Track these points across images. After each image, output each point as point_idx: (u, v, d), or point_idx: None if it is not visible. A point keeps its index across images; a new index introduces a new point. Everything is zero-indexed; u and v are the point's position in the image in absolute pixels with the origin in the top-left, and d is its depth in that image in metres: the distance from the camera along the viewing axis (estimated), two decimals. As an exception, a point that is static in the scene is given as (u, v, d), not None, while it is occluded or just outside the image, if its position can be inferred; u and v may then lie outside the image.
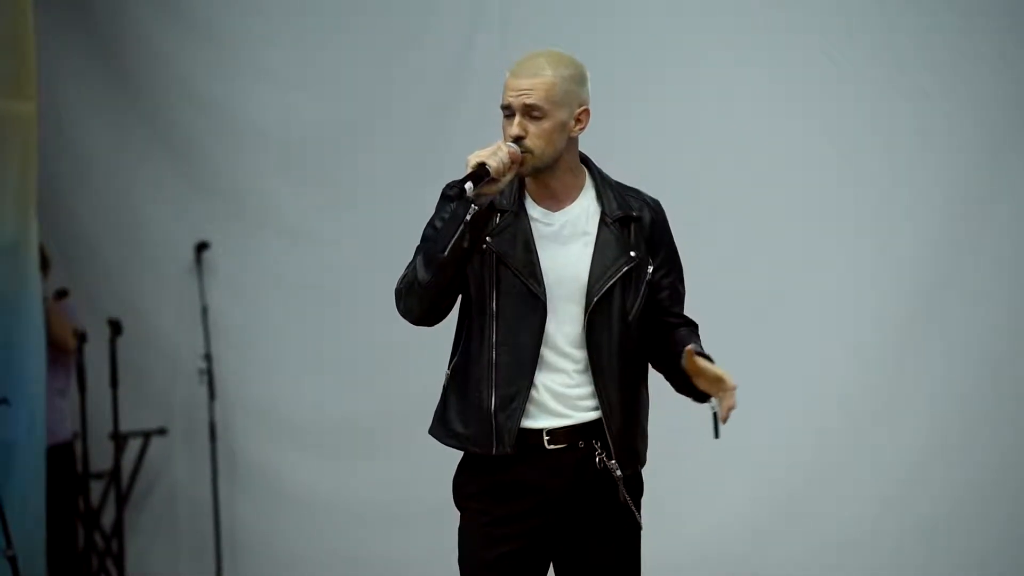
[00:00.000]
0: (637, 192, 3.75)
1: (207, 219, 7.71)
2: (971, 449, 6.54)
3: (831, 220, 6.76)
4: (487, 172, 3.46)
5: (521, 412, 3.58)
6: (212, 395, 7.63)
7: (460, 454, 3.70)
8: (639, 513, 3.68)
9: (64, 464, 7.18)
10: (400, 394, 6.99)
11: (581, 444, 3.62)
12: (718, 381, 3.51)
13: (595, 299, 3.61)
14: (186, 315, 7.78)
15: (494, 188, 3.51)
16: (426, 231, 3.65)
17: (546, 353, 3.61)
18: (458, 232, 3.48)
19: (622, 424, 3.63)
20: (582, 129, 3.63)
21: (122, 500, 7.58)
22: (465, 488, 3.69)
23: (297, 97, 7.60)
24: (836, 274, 6.74)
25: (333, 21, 7.53)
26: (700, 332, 3.74)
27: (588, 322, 3.61)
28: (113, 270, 7.85)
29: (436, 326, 3.70)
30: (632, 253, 3.65)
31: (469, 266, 3.59)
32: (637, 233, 3.68)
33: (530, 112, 3.56)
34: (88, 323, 7.35)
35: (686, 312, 3.78)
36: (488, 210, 3.54)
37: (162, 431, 7.80)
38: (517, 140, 3.55)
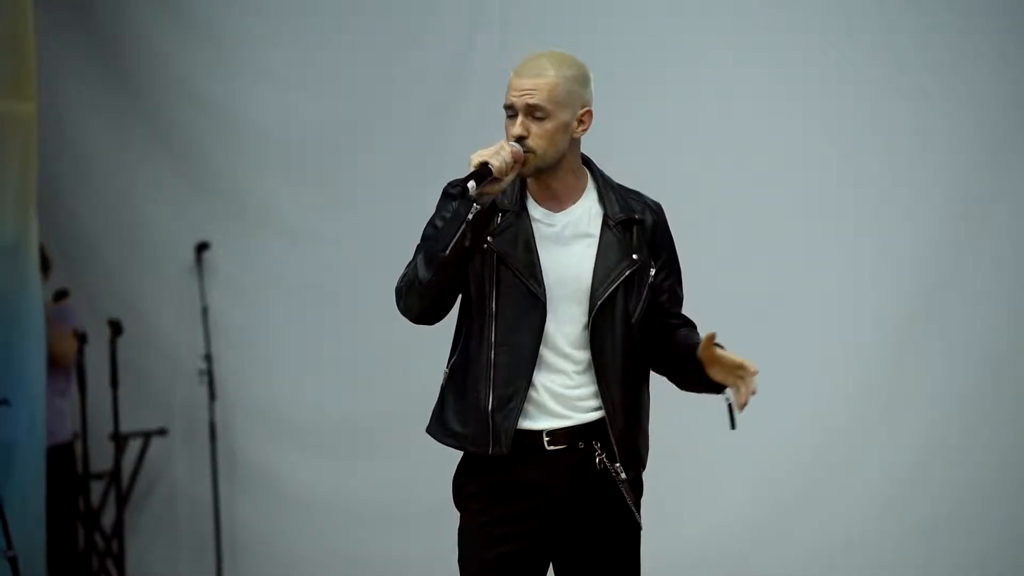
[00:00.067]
0: (638, 195, 3.76)
1: (207, 219, 7.71)
2: (971, 449, 6.54)
3: (831, 220, 6.76)
4: (489, 171, 3.46)
5: (519, 412, 3.58)
6: (212, 395, 7.63)
7: (460, 454, 3.70)
8: (639, 514, 3.68)
9: (64, 464, 7.17)
10: (400, 394, 6.98)
11: (581, 445, 3.62)
12: (737, 368, 3.51)
13: (599, 302, 3.61)
14: (186, 315, 7.77)
15: (496, 188, 3.51)
16: (427, 230, 3.65)
17: (545, 354, 3.61)
18: (460, 231, 3.48)
19: (625, 426, 3.63)
20: (585, 130, 3.63)
21: (122, 500, 7.57)
22: (465, 488, 3.69)
23: (297, 97, 7.60)
24: (836, 274, 6.74)
25: (333, 21, 7.53)
26: (700, 332, 3.75)
27: (592, 324, 3.61)
28: (113, 270, 7.85)
29: (436, 325, 3.70)
30: (635, 256, 3.66)
31: (470, 265, 3.59)
32: (639, 236, 3.68)
33: (533, 112, 3.56)
34: (88, 323, 7.34)
35: (687, 311, 3.78)
36: (490, 210, 3.54)
37: (162, 431, 7.80)
38: (519, 140, 3.55)
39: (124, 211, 7.82)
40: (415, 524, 7.11)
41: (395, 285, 3.63)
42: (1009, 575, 6.50)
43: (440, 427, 3.68)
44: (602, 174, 3.73)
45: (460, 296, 3.67)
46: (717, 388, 3.60)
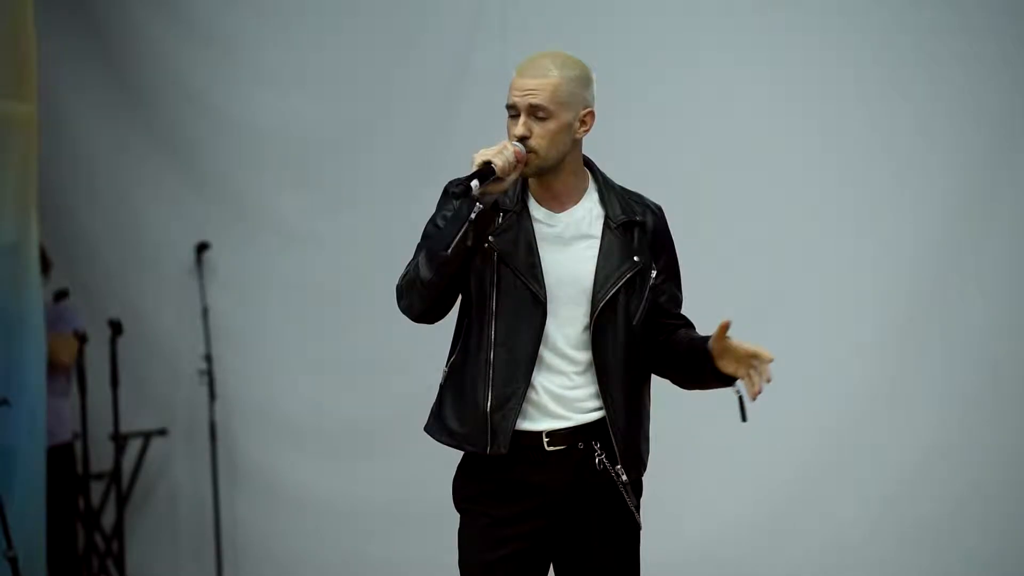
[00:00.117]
0: (639, 196, 3.76)
1: (207, 220, 7.70)
2: (972, 449, 6.54)
3: (831, 220, 6.76)
4: (492, 171, 3.46)
5: (517, 413, 3.58)
6: (212, 396, 7.63)
7: (459, 455, 3.70)
8: (639, 514, 3.68)
9: (64, 465, 7.17)
10: (400, 394, 6.97)
11: (581, 445, 3.62)
12: (750, 356, 3.51)
13: (601, 305, 3.61)
14: (186, 316, 7.77)
15: (499, 187, 3.51)
16: (427, 228, 3.65)
17: (545, 354, 3.61)
18: (462, 230, 3.48)
19: (626, 427, 3.63)
20: (586, 131, 3.63)
21: (122, 501, 7.57)
22: (465, 490, 3.69)
23: (297, 97, 7.60)
24: (836, 274, 6.74)
25: (333, 21, 7.53)
26: (700, 332, 3.75)
27: (593, 326, 3.61)
28: (113, 270, 7.84)
29: (435, 326, 3.70)
30: (636, 258, 3.66)
31: (470, 264, 3.59)
32: (640, 238, 3.68)
33: (535, 112, 3.56)
34: (88, 323, 7.34)
35: (688, 311, 3.79)
36: (492, 209, 3.54)
37: (162, 432, 7.80)
38: (522, 140, 3.55)
39: (124, 211, 7.81)
40: (415, 524, 7.11)
41: (396, 284, 3.62)
42: (1011, 575, 6.50)
43: (438, 425, 3.68)
44: (603, 175, 3.73)
45: (460, 295, 3.67)
46: (727, 381, 3.59)
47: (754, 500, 6.80)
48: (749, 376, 3.52)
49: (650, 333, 3.69)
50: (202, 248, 7.72)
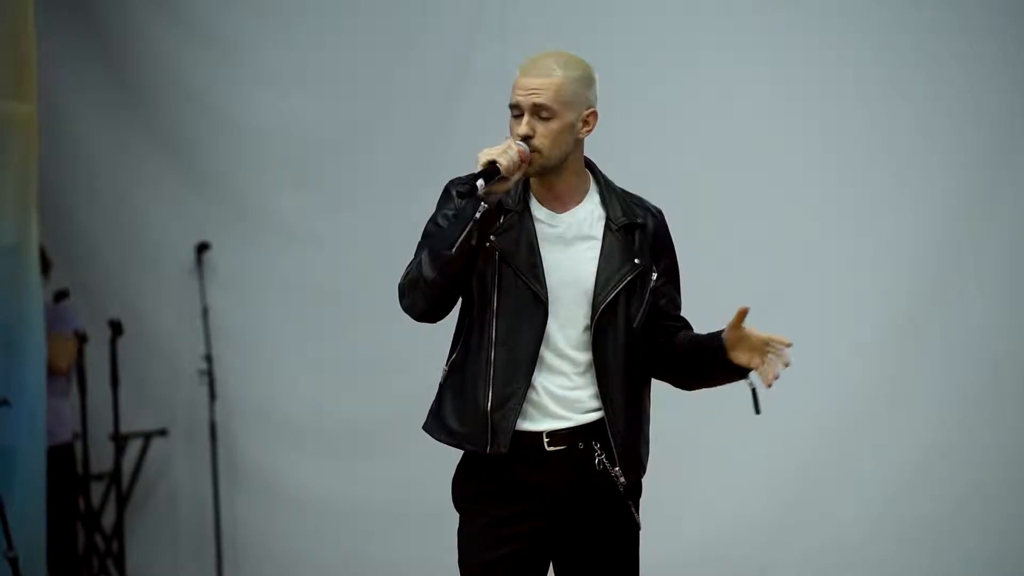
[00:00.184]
0: (640, 200, 3.76)
1: (207, 220, 7.70)
2: (972, 449, 6.54)
3: (831, 220, 6.76)
4: (497, 170, 3.46)
5: (517, 413, 3.58)
6: (213, 396, 7.63)
7: (459, 454, 3.70)
8: (638, 514, 3.69)
9: (64, 465, 7.17)
10: (400, 394, 6.97)
11: (581, 445, 3.62)
12: (766, 344, 3.50)
13: (602, 307, 3.61)
14: (186, 316, 7.77)
15: (503, 187, 3.51)
16: (428, 227, 3.65)
17: (546, 355, 3.61)
18: (466, 230, 3.48)
19: (626, 429, 3.64)
20: (589, 131, 3.63)
21: (123, 501, 7.57)
22: (464, 490, 3.69)
23: (297, 97, 7.59)
24: (836, 274, 6.74)
25: (333, 22, 7.53)
26: (700, 332, 3.75)
27: (594, 327, 3.61)
28: (113, 270, 7.84)
29: (435, 326, 3.70)
30: (636, 260, 3.66)
31: (473, 263, 3.59)
32: (641, 240, 3.69)
33: (539, 112, 3.56)
34: (88, 323, 7.34)
35: (688, 310, 3.79)
36: (496, 209, 3.54)
37: (163, 432, 7.80)
38: (525, 139, 3.55)
39: (124, 211, 7.81)
40: (415, 524, 7.10)
41: (398, 283, 3.62)
42: (1012, 575, 6.50)
43: (437, 424, 3.68)
44: (604, 177, 3.74)
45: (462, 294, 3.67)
46: (740, 373, 3.58)
47: (754, 500, 6.79)
48: (765, 364, 3.51)
49: (650, 335, 3.69)
50: (202, 248, 7.72)
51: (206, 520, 7.65)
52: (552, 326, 3.61)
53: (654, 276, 3.69)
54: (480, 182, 3.44)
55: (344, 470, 7.52)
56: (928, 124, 6.62)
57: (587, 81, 3.62)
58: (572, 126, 3.59)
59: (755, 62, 6.83)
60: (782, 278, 6.76)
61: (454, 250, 3.49)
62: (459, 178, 3.65)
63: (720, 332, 3.59)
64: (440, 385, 3.70)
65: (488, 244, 3.57)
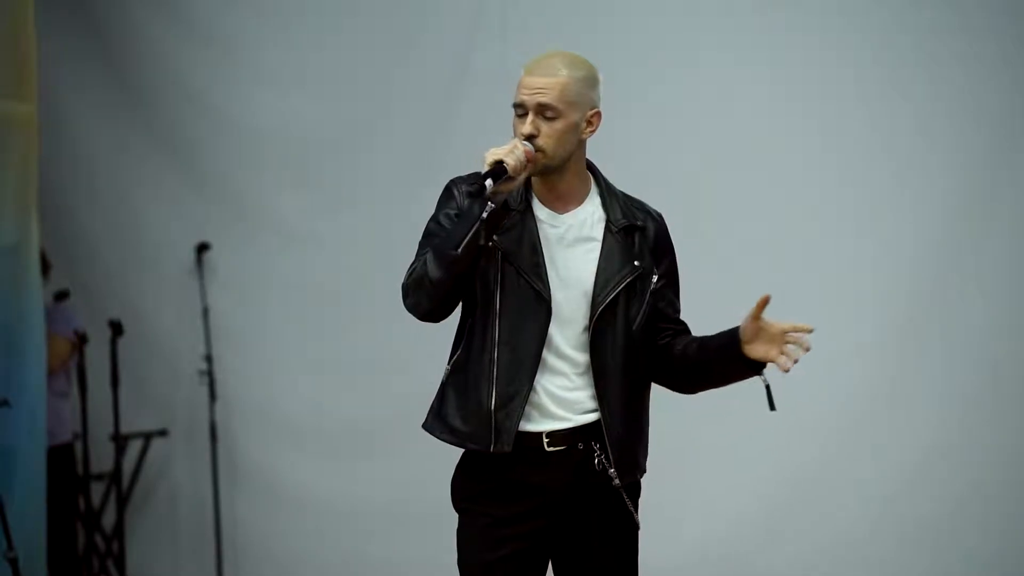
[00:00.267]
0: (641, 203, 3.76)
1: (207, 220, 7.70)
2: (972, 449, 6.54)
3: (831, 220, 6.76)
4: (505, 170, 3.46)
5: (521, 412, 3.58)
6: (213, 396, 7.63)
7: (459, 454, 3.70)
8: (636, 514, 3.69)
9: (65, 465, 7.17)
10: (400, 394, 6.96)
11: (580, 446, 3.62)
12: (785, 334, 3.50)
13: (601, 308, 3.61)
14: (187, 316, 7.77)
15: (509, 186, 3.51)
16: (430, 226, 3.65)
17: (546, 355, 3.61)
18: (473, 230, 3.48)
19: (622, 431, 3.63)
20: (592, 131, 3.63)
21: (123, 501, 7.57)
22: (464, 490, 3.69)
23: (297, 97, 7.60)
24: (836, 274, 6.74)
25: (333, 22, 7.53)
26: (700, 332, 3.75)
27: (592, 328, 3.61)
28: (113, 271, 7.84)
29: (436, 325, 3.70)
30: (636, 263, 3.66)
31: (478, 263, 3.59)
32: (641, 243, 3.69)
33: (543, 111, 3.56)
34: (88, 324, 7.34)
35: (687, 310, 3.79)
36: (503, 209, 3.53)
37: (163, 432, 7.80)
38: (529, 138, 3.55)
39: (124, 211, 7.81)
40: (415, 524, 7.10)
41: (402, 282, 3.61)
42: (1012, 575, 6.50)
43: (439, 423, 3.67)
44: (605, 180, 3.74)
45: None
46: (755, 369, 3.58)
47: (754, 500, 6.80)
48: (782, 355, 3.50)
49: (650, 339, 3.69)
50: (202, 248, 7.72)
51: (206, 520, 7.65)
52: (553, 326, 3.61)
53: (654, 278, 3.69)
54: (489, 182, 3.43)
55: (344, 470, 7.52)
56: (928, 124, 6.62)
57: (592, 81, 3.62)
58: (576, 126, 3.59)
59: (755, 62, 6.83)
60: (782, 278, 6.73)
61: (460, 250, 3.49)
62: (460, 177, 3.66)
63: (733, 329, 3.59)
64: (442, 384, 3.70)
65: (491, 244, 3.57)
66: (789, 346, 3.53)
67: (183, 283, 7.76)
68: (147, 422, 7.77)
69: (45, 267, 6.92)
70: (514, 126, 3.60)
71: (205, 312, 7.69)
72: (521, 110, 3.59)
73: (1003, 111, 6.54)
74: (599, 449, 3.62)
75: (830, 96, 6.75)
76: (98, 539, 7.63)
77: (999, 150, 6.55)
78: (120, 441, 7.56)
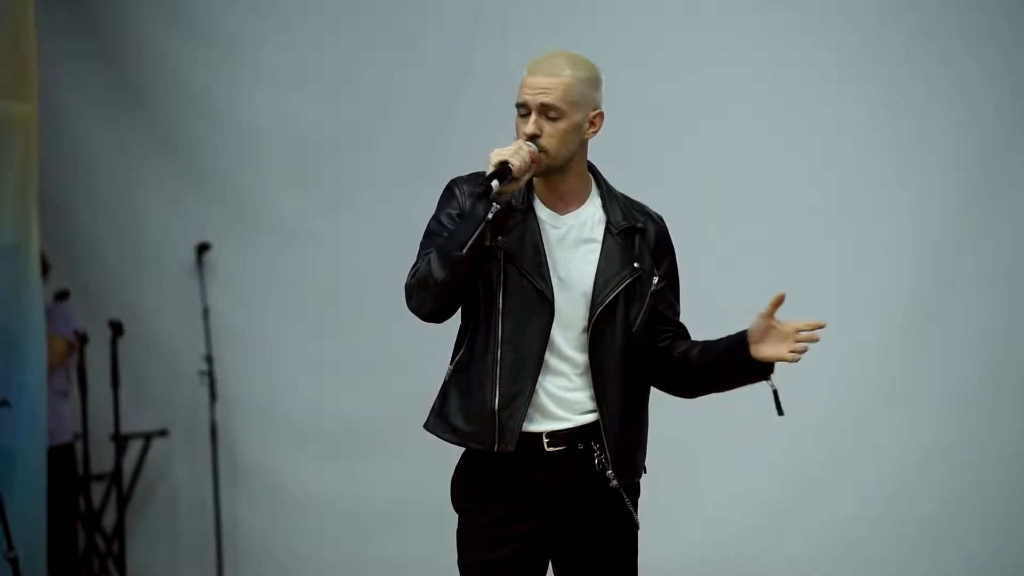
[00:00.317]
0: (642, 206, 3.77)
1: (207, 220, 7.70)
2: (972, 449, 6.54)
3: (831, 220, 6.76)
4: (509, 171, 3.46)
5: (524, 412, 3.58)
6: (213, 396, 7.63)
7: (459, 454, 3.70)
8: (636, 513, 3.69)
9: (65, 466, 7.17)
10: (400, 394, 6.96)
11: (580, 446, 3.62)
12: (796, 332, 3.52)
13: (600, 309, 3.61)
14: (187, 316, 7.77)
15: (513, 187, 3.51)
16: (431, 226, 3.65)
17: (548, 355, 3.61)
18: (478, 230, 3.48)
19: (621, 432, 3.63)
20: (595, 132, 3.64)
21: (123, 501, 7.57)
22: (464, 490, 3.69)
23: (297, 97, 7.60)
24: (836, 274, 6.73)
25: (333, 22, 7.53)
26: (700, 333, 3.75)
27: (592, 329, 3.61)
28: (114, 271, 7.84)
29: (436, 326, 3.69)
30: (636, 265, 3.66)
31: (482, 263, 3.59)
32: (641, 245, 3.69)
33: (546, 112, 3.56)
34: (88, 324, 7.34)
35: (687, 310, 3.79)
36: (507, 209, 3.53)
37: (163, 432, 7.80)
38: (532, 138, 3.55)
39: (124, 211, 7.82)
40: (415, 524, 7.10)
41: (405, 283, 3.61)
42: (1012, 575, 6.50)
43: (441, 423, 3.67)
44: (606, 182, 3.75)
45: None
46: (762, 372, 3.58)
47: (754, 501, 6.79)
48: (791, 352, 3.50)
49: (650, 341, 3.69)
50: (203, 249, 7.72)
51: (206, 520, 7.65)
52: (554, 327, 3.61)
53: (655, 280, 3.69)
54: (495, 182, 3.43)
55: (344, 470, 7.52)
56: (928, 124, 6.62)
57: (594, 82, 3.62)
58: (579, 127, 3.60)
59: (755, 62, 6.82)
60: (782, 278, 6.70)
61: (465, 250, 3.48)
62: (461, 177, 3.66)
63: (739, 333, 3.60)
64: (444, 384, 3.70)
65: (493, 244, 3.57)
66: (799, 345, 3.52)
67: (183, 283, 7.76)
68: (147, 422, 7.77)
69: (44, 268, 6.92)
70: (516, 126, 3.60)
71: (205, 312, 7.69)
72: (524, 110, 3.58)
73: (1003, 111, 6.53)
74: (599, 449, 3.62)
75: (830, 96, 6.75)
76: (98, 539, 7.64)
77: (999, 150, 6.55)
78: (120, 441, 7.56)
